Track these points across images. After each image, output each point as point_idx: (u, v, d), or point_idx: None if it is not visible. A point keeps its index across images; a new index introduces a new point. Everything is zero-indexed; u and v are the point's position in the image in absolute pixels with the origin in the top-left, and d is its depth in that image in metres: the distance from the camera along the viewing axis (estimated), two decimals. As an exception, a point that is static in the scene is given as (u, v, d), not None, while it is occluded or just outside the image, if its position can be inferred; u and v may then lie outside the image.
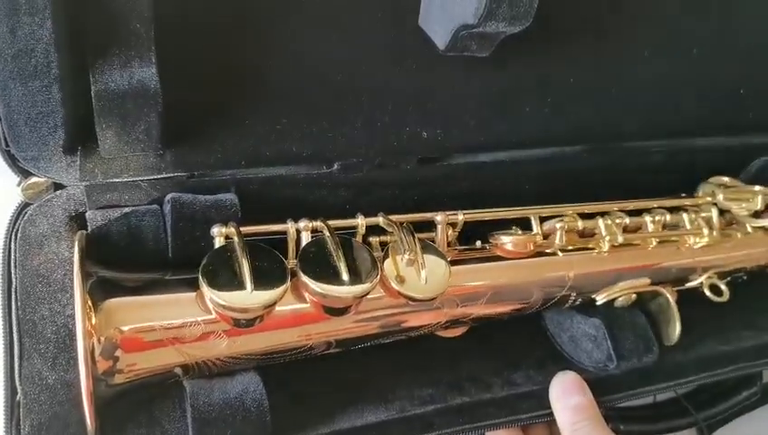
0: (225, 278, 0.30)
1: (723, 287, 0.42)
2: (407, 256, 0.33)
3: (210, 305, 0.30)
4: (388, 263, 0.33)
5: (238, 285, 0.29)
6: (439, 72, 0.42)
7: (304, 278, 0.31)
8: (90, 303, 0.29)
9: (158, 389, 0.32)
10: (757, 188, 0.45)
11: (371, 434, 0.33)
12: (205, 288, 0.29)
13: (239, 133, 0.38)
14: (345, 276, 0.31)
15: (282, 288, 0.30)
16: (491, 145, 0.44)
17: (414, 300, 0.33)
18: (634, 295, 0.39)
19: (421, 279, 0.32)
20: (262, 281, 0.30)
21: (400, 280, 0.32)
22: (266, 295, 0.30)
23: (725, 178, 0.47)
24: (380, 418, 0.34)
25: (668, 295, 0.39)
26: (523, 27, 0.36)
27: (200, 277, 0.30)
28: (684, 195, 0.45)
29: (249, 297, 0.29)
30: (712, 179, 0.46)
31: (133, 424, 0.31)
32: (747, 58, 0.51)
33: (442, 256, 0.34)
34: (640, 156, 0.48)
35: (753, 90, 0.51)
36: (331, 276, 0.31)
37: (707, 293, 0.42)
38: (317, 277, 0.31)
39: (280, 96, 0.39)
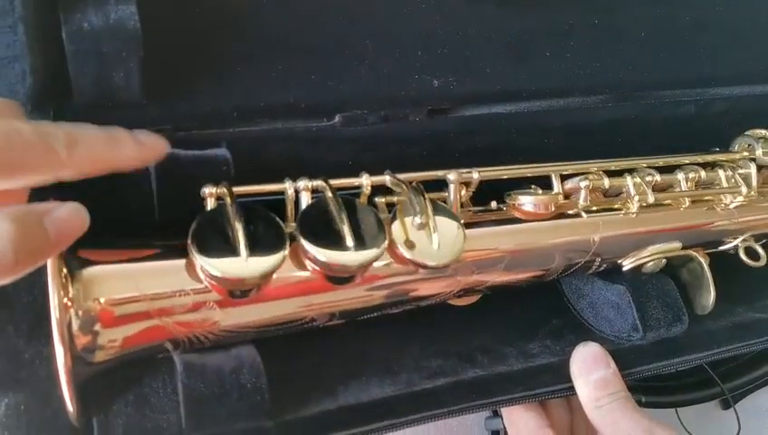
0: (218, 244, 0.27)
1: (760, 251, 0.38)
2: (417, 220, 0.30)
3: (201, 275, 0.27)
4: (396, 226, 0.30)
5: (232, 251, 0.26)
6: (452, 12, 0.38)
7: (305, 244, 0.28)
8: (66, 272, 0.26)
9: (147, 364, 0.30)
10: None
11: (378, 411, 0.31)
12: (195, 255, 0.27)
13: (230, 82, 0.34)
14: (350, 242, 0.28)
15: (280, 255, 0.27)
16: (508, 94, 0.40)
17: (425, 267, 0.30)
18: (664, 260, 0.36)
19: (433, 244, 0.29)
20: (258, 247, 0.27)
21: (410, 245, 0.29)
22: (264, 263, 0.27)
23: (763, 132, 0.43)
24: (387, 393, 0.32)
25: (702, 260, 0.36)
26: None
27: (189, 243, 0.27)
28: (718, 150, 0.42)
29: (245, 265, 0.26)
30: (749, 132, 0.42)
31: (120, 403, 0.29)
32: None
33: (455, 218, 0.31)
34: (670, 107, 0.44)
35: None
36: (335, 242, 0.28)
37: (743, 257, 0.38)
38: (319, 243, 0.28)
39: (275, 41, 0.35)
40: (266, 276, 0.27)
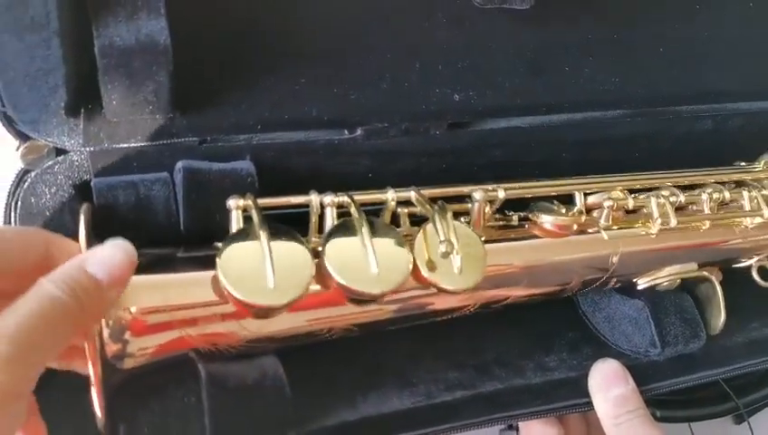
0: (246, 271, 0.27)
1: None
2: (441, 246, 0.29)
3: (229, 299, 0.27)
4: (419, 244, 0.30)
5: (260, 280, 0.26)
6: (473, 27, 0.38)
7: (331, 270, 0.28)
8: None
9: (172, 373, 0.30)
10: None
11: (399, 422, 0.31)
12: (222, 281, 0.27)
13: (254, 95, 0.35)
14: (374, 269, 0.28)
15: (306, 284, 0.27)
16: (527, 109, 0.40)
17: (446, 292, 0.30)
18: (679, 280, 0.36)
19: (455, 269, 0.29)
20: (284, 275, 0.27)
21: (432, 268, 0.29)
22: (290, 293, 0.27)
23: None
24: (407, 404, 0.32)
25: (715, 281, 0.36)
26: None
27: (218, 269, 0.27)
28: (743, 164, 0.41)
29: (271, 294, 0.26)
30: None
31: (145, 411, 0.29)
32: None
33: (479, 244, 0.31)
34: (687, 121, 0.44)
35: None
36: (359, 269, 0.28)
37: (755, 276, 0.38)
38: (345, 272, 0.28)
39: (298, 54, 0.36)
40: (292, 304, 0.27)
